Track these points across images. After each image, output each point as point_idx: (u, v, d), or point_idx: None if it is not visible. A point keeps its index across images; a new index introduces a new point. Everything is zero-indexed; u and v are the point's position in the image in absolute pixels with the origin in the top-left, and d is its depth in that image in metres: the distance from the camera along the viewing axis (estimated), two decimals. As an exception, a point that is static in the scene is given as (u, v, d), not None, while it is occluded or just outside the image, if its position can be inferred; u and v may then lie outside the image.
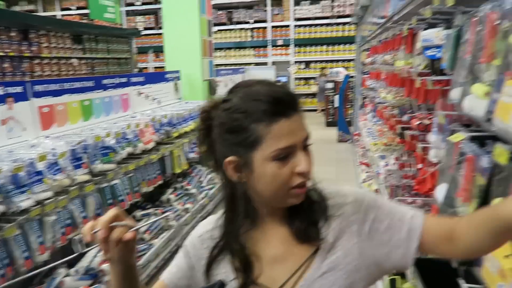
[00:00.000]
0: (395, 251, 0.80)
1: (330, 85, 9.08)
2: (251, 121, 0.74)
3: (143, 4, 12.13)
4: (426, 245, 0.80)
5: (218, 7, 11.78)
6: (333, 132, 8.12)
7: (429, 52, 1.89)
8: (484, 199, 1.07)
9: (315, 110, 11.33)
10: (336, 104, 8.41)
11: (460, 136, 1.22)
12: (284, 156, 0.74)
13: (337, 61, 11.38)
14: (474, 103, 1.14)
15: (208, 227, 0.89)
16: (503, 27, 1.02)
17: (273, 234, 0.83)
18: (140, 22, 12.30)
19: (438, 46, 1.83)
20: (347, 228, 0.82)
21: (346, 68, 10.19)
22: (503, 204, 0.67)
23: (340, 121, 7.96)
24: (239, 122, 0.75)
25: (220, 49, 11.93)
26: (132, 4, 12.17)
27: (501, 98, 0.94)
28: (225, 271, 0.84)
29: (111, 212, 0.73)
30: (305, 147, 0.77)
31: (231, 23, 12.14)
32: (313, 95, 11.65)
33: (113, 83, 3.39)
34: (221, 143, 0.78)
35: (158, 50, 10.64)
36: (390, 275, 2.31)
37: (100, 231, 0.71)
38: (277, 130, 0.73)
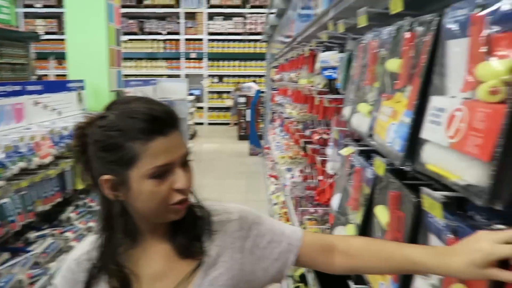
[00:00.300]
0: (274, 264, 0.86)
1: (242, 100, 9.30)
2: (127, 139, 0.73)
3: (44, 6, 11.24)
4: (304, 257, 0.87)
5: (128, 16, 11.40)
6: (245, 145, 8.28)
7: (327, 73, 2.06)
8: (369, 207, 1.19)
9: (229, 124, 11.48)
10: (248, 118, 8.62)
11: (350, 150, 1.34)
12: (161, 173, 0.74)
13: (249, 76, 11.70)
14: (360, 120, 1.27)
15: (85, 249, 0.85)
16: (381, 54, 1.15)
17: (154, 251, 0.82)
18: (40, 26, 11.35)
19: (334, 67, 2.00)
20: (231, 245, 0.84)
21: (258, 83, 10.54)
22: (422, 253, 0.73)
23: (252, 134, 8.17)
24: (114, 140, 0.74)
25: (131, 59, 11.52)
26: (31, 6, 11.20)
27: (379, 117, 1.06)
28: None
29: None
30: (185, 163, 0.78)
31: (143, 33, 11.82)
32: (226, 109, 11.80)
33: (5, 91, 3.07)
34: (97, 161, 0.77)
35: (61, 57, 9.89)
36: (295, 283, 2.42)
37: None
38: (154, 148, 0.73)
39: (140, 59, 11.78)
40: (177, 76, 11.63)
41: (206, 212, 0.86)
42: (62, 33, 9.62)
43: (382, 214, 1.07)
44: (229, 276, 0.82)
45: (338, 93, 1.94)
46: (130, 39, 11.44)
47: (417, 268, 0.75)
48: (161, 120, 0.74)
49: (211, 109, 12.14)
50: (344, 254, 0.85)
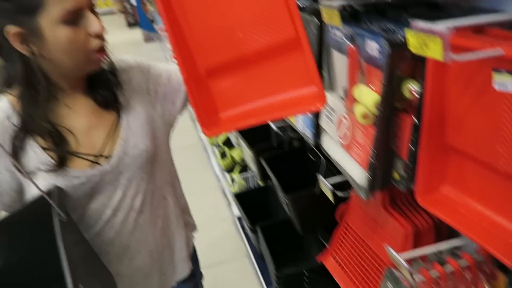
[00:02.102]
0: (178, 95, 0.95)
1: (121, -18, 8.30)
2: None
3: None
4: None
5: None
6: (138, 32, 7.68)
7: None
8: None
9: (113, 13, 10.36)
10: (134, 2, 7.82)
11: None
12: (73, 19, 0.71)
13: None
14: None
15: (1, 116, 0.79)
16: None
17: (80, 106, 0.84)
18: None
19: None
20: (137, 88, 0.90)
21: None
22: None
23: (142, 20, 7.53)
24: None
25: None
26: None
27: None
28: (36, 155, 0.79)
29: None
30: (92, 9, 0.75)
31: None
32: (106, -5, 10.49)
33: None
34: None
35: None
36: (219, 148, 2.54)
37: None
38: None
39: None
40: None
41: (111, 64, 0.88)
42: None
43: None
44: (146, 115, 0.89)
45: None
46: None
47: None
48: None
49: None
50: None
